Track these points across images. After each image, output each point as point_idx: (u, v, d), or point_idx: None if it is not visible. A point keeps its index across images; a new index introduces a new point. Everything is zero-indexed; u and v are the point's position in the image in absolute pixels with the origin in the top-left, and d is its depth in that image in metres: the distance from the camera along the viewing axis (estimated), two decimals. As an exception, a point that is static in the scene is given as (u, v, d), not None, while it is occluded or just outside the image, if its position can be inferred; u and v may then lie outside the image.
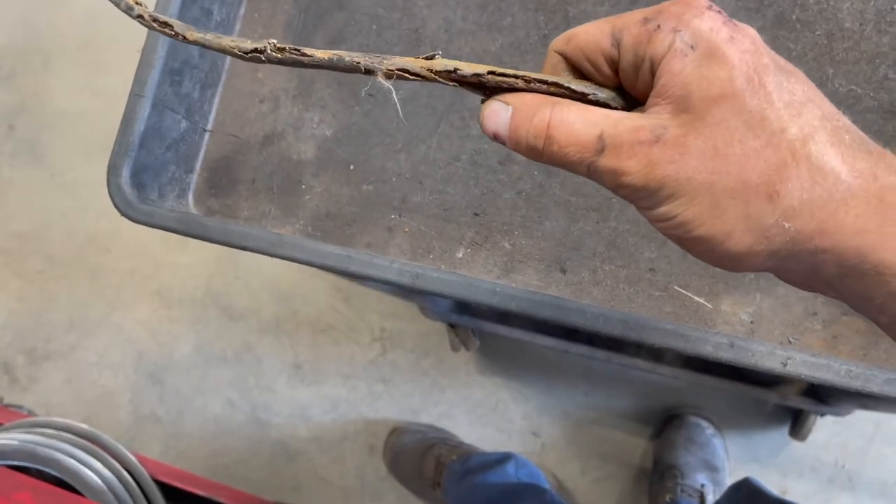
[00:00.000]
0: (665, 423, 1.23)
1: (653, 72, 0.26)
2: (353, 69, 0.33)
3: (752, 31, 0.26)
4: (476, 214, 0.50)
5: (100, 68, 1.64)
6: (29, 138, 1.65)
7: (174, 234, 0.49)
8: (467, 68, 0.30)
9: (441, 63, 0.30)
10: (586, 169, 0.27)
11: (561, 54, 0.29)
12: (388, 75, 0.31)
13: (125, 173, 0.48)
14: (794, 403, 1.05)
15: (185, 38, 0.36)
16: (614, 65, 0.28)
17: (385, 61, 0.32)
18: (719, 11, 0.26)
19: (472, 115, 0.52)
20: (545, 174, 0.49)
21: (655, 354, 1.06)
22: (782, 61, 0.26)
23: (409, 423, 1.36)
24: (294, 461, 1.43)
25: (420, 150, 0.52)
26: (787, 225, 0.24)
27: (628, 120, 0.26)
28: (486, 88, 0.30)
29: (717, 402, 1.24)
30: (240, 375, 1.47)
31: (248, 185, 0.54)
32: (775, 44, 0.47)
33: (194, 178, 0.55)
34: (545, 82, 0.29)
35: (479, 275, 0.49)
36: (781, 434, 1.22)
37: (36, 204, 1.62)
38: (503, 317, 1.10)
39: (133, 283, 1.54)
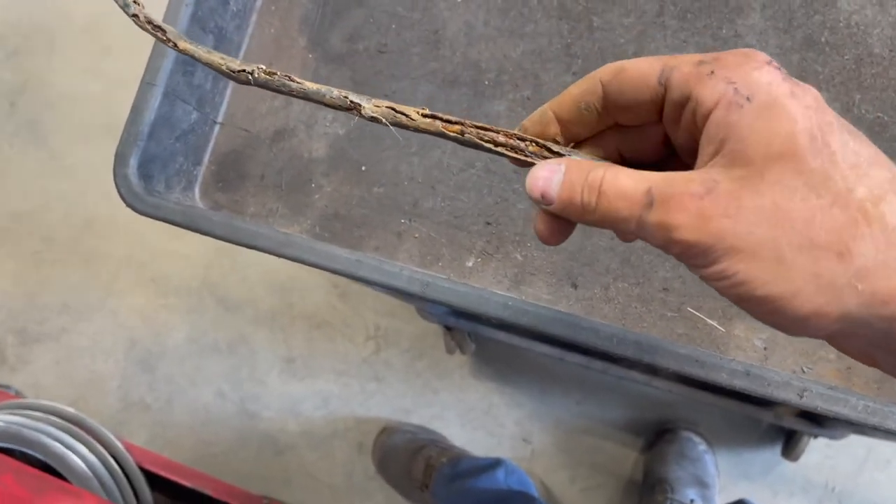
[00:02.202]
0: (657, 436, 1.22)
1: (696, 116, 0.25)
2: (339, 104, 0.33)
3: (812, 89, 0.25)
4: (488, 223, 0.50)
5: (105, 51, 1.63)
6: (30, 118, 1.63)
7: None
8: (452, 117, 0.31)
9: (427, 111, 0.32)
10: (636, 225, 0.25)
11: (604, 86, 0.28)
12: (374, 113, 0.32)
13: (133, 163, 0.47)
14: (789, 424, 1.04)
15: (175, 45, 0.36)
16: (657, 104, 0.27)
17: (373, 100, 0.33)
18: (779, 67, 0.25)
19: (490, 120, 0.51)
20: (561, 186, 0.48)
21: (651, 368, 1.06)
22: (843, 121, 0.25)
23: (400, 424, 1.35)
24: (282, 455, 1.42)
25: (434, 155, 0.51)
26: (860, 286, 0.23)
27: (678, 175, 0.25)
28: (464, 141, 0.31)
29: (710, 417, 1.24)
30: (232, 367, 1.46)
31: (257, 181, 0.53)
32: (802, 65, 0.46)
33: (202, 171, 0.54)
34: (524, 139, 0.30)
35: (489, 285, 0.48)
36: (773, 453, 1.22)
37: (35, 185, 1.60)
38: (501, 323, 1.09)
39: (129, 269, 1.52)
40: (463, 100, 0.51)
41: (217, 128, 0.54)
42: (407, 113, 0.32)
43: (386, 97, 0.52)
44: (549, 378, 1.33)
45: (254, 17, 0.55)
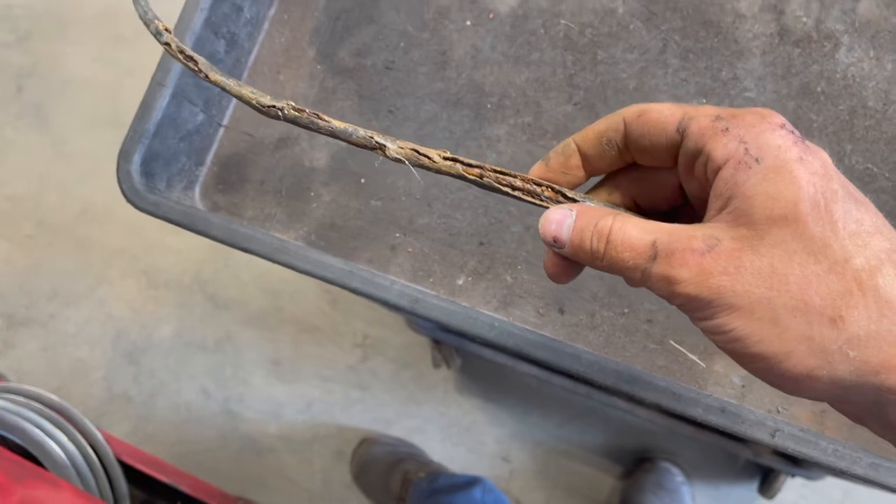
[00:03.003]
0: (636, 464, 1.23)
1: (707, 169, 0.26)
2: (365, 144, 0.35)
3: (823, 154, 0.25)
4: (481, 244, 0.50)
5: (115, 40, 1.64)
6: (36, 102, 1.64)
7: None
8: (472, 161, 0.32)
9: (448, 153, 0.33)
10: (641, 275, 0.26)
11: (627, 125, 0.29)
12: (398, 155, 0.34)
13: (136, 160, 0.48)
14: (767, 461, 1.05)
15: (206, 76, 0.37)
16: (674, 151, 0.28)
17: (399, 142, 0.34)
18: (792, 131, 0.25)
19: (489, 143, 0.52)
20: (555, 213, 0.49)
21: (633, 396, 1.06)
22: (851, 187, 0.25)
23: (380, 435, 1.35)
24: (262, 457, 1.41)
25: (432, 173, 0.52)
26: (851, 353, 0.23)
27: (682, 229, 0.26)
28: (483, 184, 0.32)
29: (689, 449, 1.24)
30: (217, 364, 1.46)
31: (257, 186, 0.54)
32: (798, 113, 0.48)
33: (203, 172, 0.54)
34: (540, 184, 0.31)
35: (478, 305, 0.49)
36: (750, 490, 1.22)
37: (34, 169, 1.60)
38: (487, 343, 1.09)
39: (122, 259, 1.52)
40: (465, 121, 0.52)
41: (221, 130, 0.55)
42: (429, 156, 0.33)
43: (390, 112, 0.53)
44: (533, 398, 1.34)
45: (266, 25, 0.56)
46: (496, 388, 1.36)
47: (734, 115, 0.26)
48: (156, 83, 0.48)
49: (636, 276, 0.27)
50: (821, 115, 0.47)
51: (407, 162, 0.34)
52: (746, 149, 0.25)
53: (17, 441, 1.05)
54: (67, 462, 1.08)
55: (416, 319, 1.04)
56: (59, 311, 1.53)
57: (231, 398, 1.44)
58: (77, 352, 1.51)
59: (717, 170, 0.25)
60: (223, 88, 0.36)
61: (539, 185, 0.31)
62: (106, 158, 1.54)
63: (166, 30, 0.39)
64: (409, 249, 0.51)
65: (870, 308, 0.23)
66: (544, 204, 0.31)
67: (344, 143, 0.55)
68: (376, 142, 0.34)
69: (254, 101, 0.36)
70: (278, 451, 1.42)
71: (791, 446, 0.37)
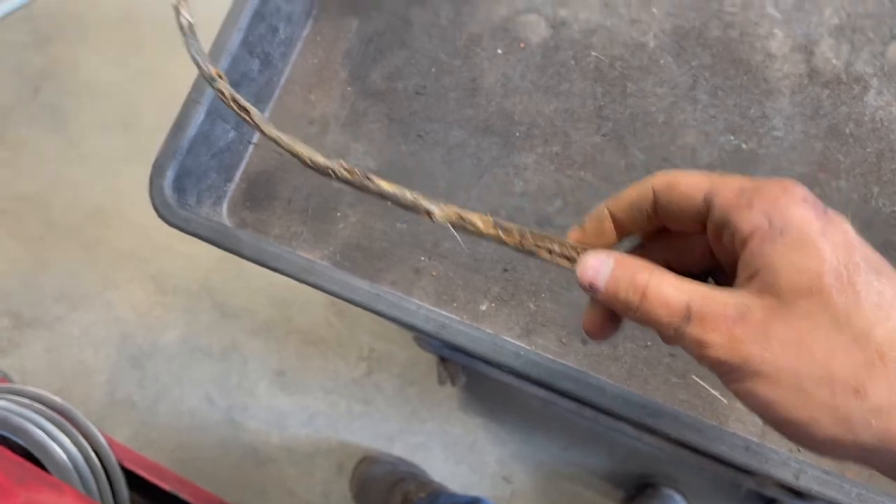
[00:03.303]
0: (638, 490, 1.22)
1: (735, 240, 0.27)
2: (412, 207, 0.37)
3: (845, 225, 0.26)
4: (505, 270, 0.51)
5: (134, 46, 1.65)
6: (52, 103, 1.65)
7: None
8: (513, 226, 0.34)
9: (491, 220, 0.35)
10: (674, 332, 0.27)
11: (655, 193, 0.30)
12: (442, 220, 0.36)
13: (169, 175, 0.48)
14: (770, 493, 1.04)
15: (261, 129, 0.38)
16: (702, 219, 0.29)
17: (444, 207, 0.36)
18: (814, 203, 0.26)
19: (517, 171, 0.52)
20: (580, 243, 0.50)
21: (644, 425, 1.06)
22: (875, 258, 0.26)
23: (381, 454, 1.35)
24: (263, 467, 1.41)
25: (459, 198, 0.52)
26: (874, 423, 0.24)
27: (715, 294, 0.27)
28: (522, 249, 0.34)
29: (692, 476, 1.24)
30: (222, 373, 1.46)
31: (284, 204, 0.55)
32: (825, 154, 0.48)
33: (232, 188, 0.55)
34: (576, 248, 0.32)
35: (500, 331, 0.49)
36: (752, 519, 1.22)
37: (46, 169, 1.61)
38: (511, 371, 1.10)
39: (130, 263, 1.53)
40: (493, 148, 0.53)
41: (251, 148, 0.56)
42: (473, 221, 0.35)
43: (419, 137, 0.54)
44: (537, 420, 1.34)
45: (299, 46, 0.57)
46: (500, 408, 1.36)
47: (758, 188, 0.27)
48: (191, 101, 0.49)
49: (669, 333, 0.28)
50: (848, 156, 0.48)
51: (452, 228, 0.36)
52: (770, 222, 0.26)
53: (20, 442, 1.05)
54: (70, 465, 1.08)
55: (429, 339, 1.04)
56: (66, 312, 1.53)
57: (234, 407, 1.44)
58: (81, 354, 1.51)
59: (744, 241, 0.27)
60: (276, 143, 0.37)
61: (576, 249, 0.32)
62: (119, 161, 1.55)
63: (219, 76, 0.39)
64: (434, 273, 0.52)
65: (891, 379, 0.24)
66: (570, 266, 0.32)
67: (372, 164, 0.55)
68: (423, 207, 0.36)
69: (306, 159, 0.37)
70: (279, 461, 1.42)
71: (815, 488, 0.37)
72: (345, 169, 0.37)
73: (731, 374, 0.26)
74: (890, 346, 0.25)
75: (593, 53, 0.53)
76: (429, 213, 0.36)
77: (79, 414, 1.11)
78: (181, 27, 0.42)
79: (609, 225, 0.32)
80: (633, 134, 0.51)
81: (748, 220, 0.26)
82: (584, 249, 0.32)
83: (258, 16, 0.51)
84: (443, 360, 1.28)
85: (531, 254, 0.34)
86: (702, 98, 0.50)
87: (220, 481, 1.41)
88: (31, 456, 1.01)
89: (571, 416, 1.30)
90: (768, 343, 0.25)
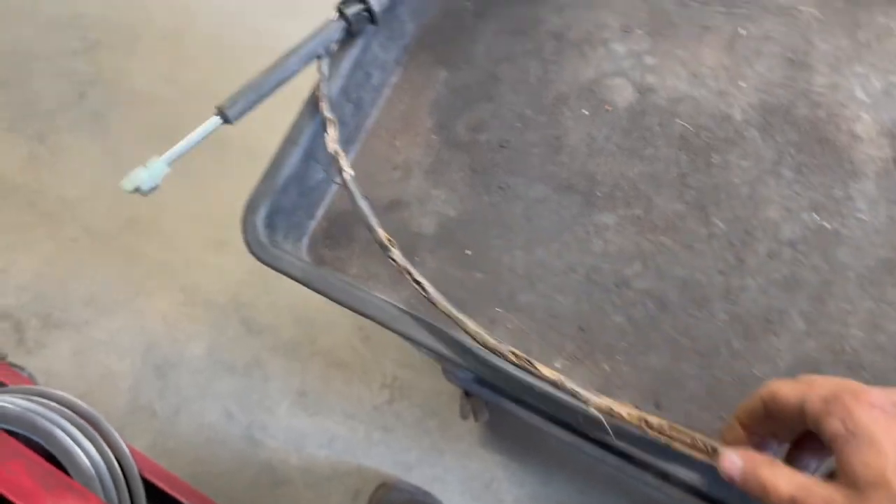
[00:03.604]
0: (657, 540, 1.21)
1: (823, 440, 0.34)
2: (572, 394, 0.43)
3: (858, 417, 0.33)
4: (581, 329, 0.51)
5: (182, 61, 1.68)
6: (97, 110, 1.68)
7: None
8: (655, 420, 0.41)
9: (637, 414, 0.42)
10: None
11: (764, 404, 0.38)
12: (594, 412, 0.42)
13: (262, 212, 0.49)
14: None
15: (434, 303, 0.46)
16: (802, 422, 0.36)
17: (597, 398, 0.42)
18: (883, 405, 0.33)
19: (597, 231, 0.53)
20: (659, 308, 0.50)
21: (664, 474, 1.06)
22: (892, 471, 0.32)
23: (398, 481, 1.34)
24: (278, 488, 1.41)
25: (538, 253, 0.53)
26: None
27: (813, 486, 0.34)
28: (660, 440, 0.41)
29: (711, 531, 1.23)
30: (244, 389, 1.46)
31: (363, 245, 0.56)
32: None
33: (313, 226, 0.56)
34: (708, 444, 0.40)
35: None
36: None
37: (87, 174, 1.63)
38: (591, 437, 1.10)
39: (162, 273, 1.54)
40: (574, 206, 0.54)
41: (335, 187, 0.57)
42: (621, 413, 0.42)
43: (500, 189, 0.55)
44: (557, 461, 1.33)
45: (387, 92, 0.58)
46: (521, 447, 1.35)
47: (836, 396, 0.34)
48: (289, 141, 0.50)
49: None
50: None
51: (599, 414, 0.42)
52: (846, 427, 0.33)
53: (45, 446, 1.05)
54: (93, 473, 1.08)
55: (457, 370, 1.04)
56: (95, 317, 1.55)
57: (254, 424, 1.44)
58: (107, 360, 1.52)
59: (830, 444, 0.34)
60: (453, 319, 0.44)
61: (707, 444, 0.40)
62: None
63: (390, 242, 0.47)
64: (509, 325, 0.52)
65: None
66: (704, 457, 0.40)
67: (452, 213, 0.56)
68: (582, 396, 0.42)
69: (478, 337, 0.44)
70: (295, 482, 1.42)
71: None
72: (514, 353, 0.44)
73: None
74: None
75: (679, 121, 0.54)
76: (585, 402, 0.42)
77: (105, 422, 1.12)
78: (345, 182, 0.46)
79: (740, 431, 0.41)
80: (716, 204, 0.52)
81: (830, 427, 0.33)
82: (717, 446, 0.39)
83: (357, 63, 0.52)
84: (467, 394, 1.28)
85: (667, 445, 0.41)
86: (786, 174, 0.51)
87: (233, 499, 1.41)
88: (53, 458, 1.01)
89: (593, 462, 1.30)
90: None
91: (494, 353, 0.45)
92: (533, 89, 0.56)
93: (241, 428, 1.45)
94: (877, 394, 0.34)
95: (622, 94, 0.55)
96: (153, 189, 0.47)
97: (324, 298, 0.48)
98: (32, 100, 1.72)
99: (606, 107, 0.55)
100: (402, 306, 0.49)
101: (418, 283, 0.47)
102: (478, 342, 0.45)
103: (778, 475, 0.35)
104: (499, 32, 0.59)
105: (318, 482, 1.40)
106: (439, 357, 0.46)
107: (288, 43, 0.51)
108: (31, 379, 1.50)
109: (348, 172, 0.50)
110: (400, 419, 1.41)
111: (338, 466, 1.41)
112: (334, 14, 0.53)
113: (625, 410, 0.42)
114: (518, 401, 1.10)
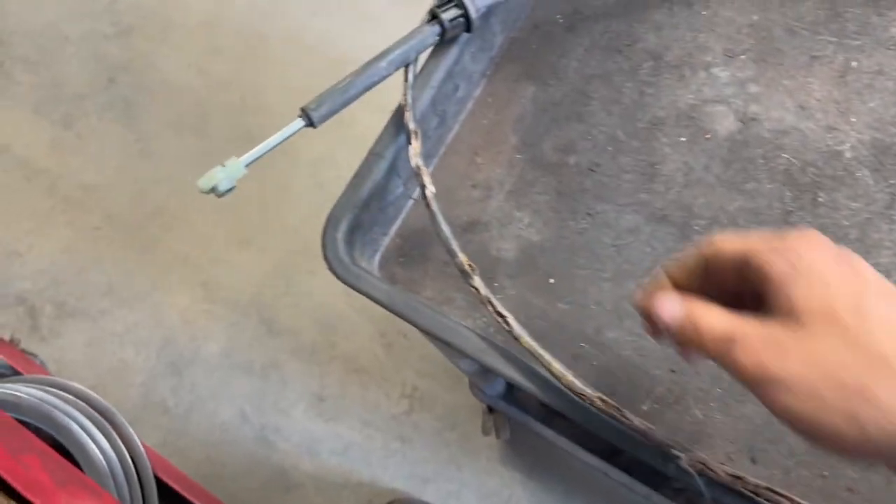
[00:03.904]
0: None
1: (766, 284, 0.33)
2: (661, 445, 0.41)
3: (856, 260, 0.32)
4: (673, 371, 0.48)
5: (214, 51, 1.65)
6: (126, 96, 1.65)
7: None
8: (750, 480, 0.39)
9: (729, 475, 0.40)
10: (714, 355, 0.34)
11: (705, 258, 0.36)
12: (691, 465, 0.40)
13: (343, 228, 0.46)
14: None
15: (518, 340, 0.44)
16: (740, 270, 0.35)
17: (690, 452, 0.40)
18: (830, 245, 0.33)
19: (690, 267, 0.50)
20: (758, 354, 0.47)
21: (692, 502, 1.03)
22: (883, 286, 0.32)
23: (411, 499, 1.31)
24: (289, 493, 1.38)
25: (628, 286, 0.50)
26: (887, 427, 0.28)
27: (750, 323, 0.33)
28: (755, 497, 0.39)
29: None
30: (260, 390, 1.43)
31: (439, 266, 0.52)
32: None
33: (386, 242, 0.53)
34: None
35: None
36: None
37: (112, 162, 1.60)
38: (551, 420, 1.07)
39: (184, 268, 1.51)
40: (668, 239, 0.51)
41: (411, 203, 0.54)
42: (716, 471, 0.40)
43: (588, 216, 0.52)
44: (578, 482, 1.30)
45: (470, 105, 0.55)
46: (542, 466, 1.32)
47: (783, 239, 0.33)
48: (374, 154, 0.47)
49: (709, 355, 0.34)
50: None
51: (694, 473, 0.40)
52: (792, 265, 0.32)
53: (59, 439, 1.03)
54: (107, 470, 1.06)
55: (485, 386, 1.01)
56: (111, 308, 1.51)
57: (268, 426, 1.41)
58: (121, 352, 1.49)
59: (774, 283, 0.32)
60: (537, 357, 0.43)
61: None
62: (187, 164, 1.54)
63: (471, 267, 0.45)
64: (594, 363, 0.49)
65: (891, 388, 0.29)
66: None
67: (535, 237, 0.53)
68: (672, 451, 0.40)
69: (564, 380, 0.42)
70: (307, 488, 1.39)
71: None
72: (601, 400, 0.42)
73: (760, 389, 0.31)
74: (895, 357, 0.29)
75: (784, 155, 0.51)
76: (675, 455, 0.40)
77: (120, 417, 1.09)
78: (427, 201, 0.46)
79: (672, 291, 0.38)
80: (823, 246, 0.48)
81: (775, 268, 0.32)
82: None
83: (449, 73, 0.49)
84: (491, 410, 1.25)
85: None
86: (900, 219, 0.48)
87: (244, 501, 1.38)
88: (63, 449, 0.99)
89: (615, 486, 1.27)
90: (790, 361, 0.30)
91: (580, 398, 0.42)
92: (627, 111, 0.53)
93: (255, 430, 1.42)
94: (825, 240, 0.33)
95: (723, 122, 0.52)
96: (229, 190, 0.44)
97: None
98: (61, 82, 1.69)
99: (706, 135, 0.52)
100: (483, 336, 0.46)
101: (501, 315, 0.44)
102: (563, 385, 0.42)
103: (712, 313, 0.34)
104: (591, 49, 0.56)
105: (329, 490, 1.37)
106: (520, 388, 0.43)
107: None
108: (44, 367, 1.47)
109: (430, 189, 0.47)
110: (418, 430, 1.38)
111: (351, 475, 1.38)
112: (425, 17, 0.49)
113: (720, 469, 0.39)
114: (549, 422, 1.07)
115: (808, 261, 0.32)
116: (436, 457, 1.36)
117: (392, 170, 0.49)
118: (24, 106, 1.69)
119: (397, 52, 0.46)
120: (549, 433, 1.10)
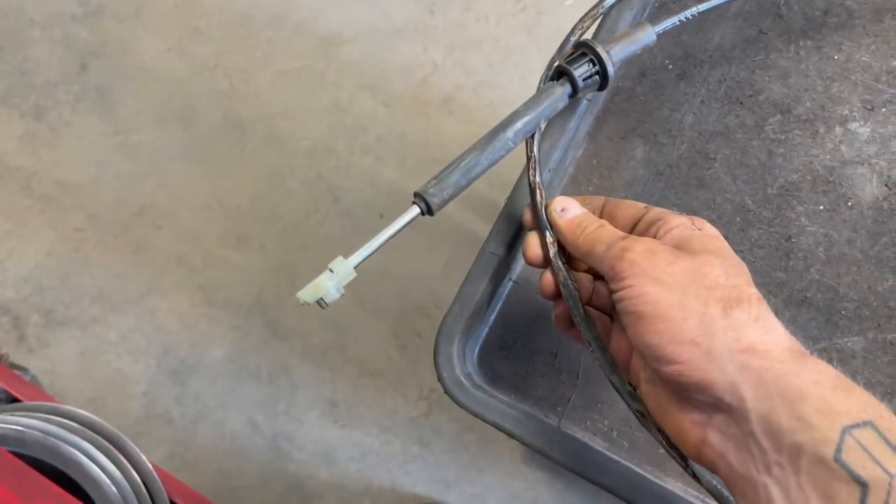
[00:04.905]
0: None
1: (661, 229, 0.37)
2: None
3: (707, 227, 0.38)
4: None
5: (194, 33, 1.52)
6: (100, 84, 1.52)
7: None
8: None
9: None
10: (599, 259, 0.37)
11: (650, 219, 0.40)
12: None
13: (458, 342, 0.39)
14: None
15: (610, 380, 0.39)
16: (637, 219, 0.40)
17: None
18: (687, 217, 0.38)
19: (841, 357, 0.45)
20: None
21: None
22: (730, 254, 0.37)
23: (436, 503, 1.28)
24: (307, 503, 1.33)
25: None
26: (730, 333, 0.31)
27: (635, 239, 0.36)
28: None
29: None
30: (269, 397, 1.36)
31: (548, 360, 0.46)
32: None
33: (485, 331, 0.46)
34: None
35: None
36: None
37: (91, 156, 1.48)
38: None
39: (178, 269, 1.42)
40: (811, 325, 0.45)
41: (510, 285, 0.47)
42: None
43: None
44: (604, 481, 1.27)
45: (571, 169, 0.48)
46: (567, 465, 1.29)
47: (660, 215, 0.38)
48: (488, 252, 0.40)
49: (595, 261, 0.37)
50: None
51: None
52: (692, 221, 0.38)
53: (70, 475, 0.97)
54: (122, 502, 1.00)
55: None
56: (103, 314, 1.42)
57: (280, 435, 1.35)
58: (118, 361, 1.40)
59: (672, 229, 0.37)
60: (642, 414, 0.37)
61: None
62: (173, 158, 1.43)
63: (574, 284, 0.40)
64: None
65: (751, 313, 0.33)
66: None
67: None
68: None
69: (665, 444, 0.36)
70: (326, 498, 1.34)
71: None
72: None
73: (618, 281, 0.34)
74: (759, 299, 0.33)
75: (939, 227, 0.45)
76: None
77: (130, 443, 1.03)
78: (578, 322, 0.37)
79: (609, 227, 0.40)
80: None
81: (676, 218, 0.37)
82: None
83: (571, 140, 0.42)
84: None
85: None
86: None
87: (260, 514, 1.33)
88: (71, 480, 0.93)
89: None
90: (676, 264, 0.34)
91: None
92: (755, 175, 0.47)
93: (267, 439, 1.36)
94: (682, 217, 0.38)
95: (866, 187, 0.46)
96: (337, 298, 0.37)
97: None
98: (28, 70, 1.55)
99: (847, 202, 0.46)
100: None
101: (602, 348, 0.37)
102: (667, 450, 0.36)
103: (604, 226, 0.38)
104: (708, 100, 0.48)
105: (349, 499, 1.33)
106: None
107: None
108: (35, 381, 1.38)
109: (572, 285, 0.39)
110: (437, 433, 1.33)
111: (371, 482, 1.34)
112: (547, 72, 0.41)
113: None
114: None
115: (704, 223, 0.38)
116: (456, 460, 1.32)
117: (503, 265, 0.41)
118: (-11, 98, 1.55)
119: (524, 119, 0.38)
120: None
